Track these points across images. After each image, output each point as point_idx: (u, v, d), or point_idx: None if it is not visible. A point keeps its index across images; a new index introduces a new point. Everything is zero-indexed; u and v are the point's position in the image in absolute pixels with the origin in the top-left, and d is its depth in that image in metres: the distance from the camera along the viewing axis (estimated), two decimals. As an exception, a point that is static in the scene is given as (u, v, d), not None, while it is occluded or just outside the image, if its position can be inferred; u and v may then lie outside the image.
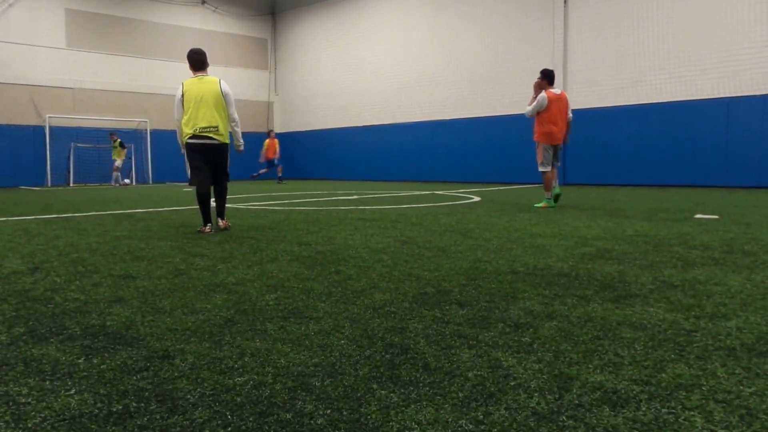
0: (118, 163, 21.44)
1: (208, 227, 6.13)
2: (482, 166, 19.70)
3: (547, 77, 9.02)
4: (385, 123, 22.85)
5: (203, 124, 6.09)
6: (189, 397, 1.91)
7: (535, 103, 8.90)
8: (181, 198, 12.48)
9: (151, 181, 23.52)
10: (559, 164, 9.37)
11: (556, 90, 9.08)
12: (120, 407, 1.85)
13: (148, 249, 5.06)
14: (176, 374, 2.11)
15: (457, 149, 20.36)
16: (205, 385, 2.01)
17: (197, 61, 6.32)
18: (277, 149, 21.72)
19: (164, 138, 23.82)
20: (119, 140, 21.45)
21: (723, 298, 3.14)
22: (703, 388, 1.95)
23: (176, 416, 1.77)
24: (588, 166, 17.30)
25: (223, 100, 6.19)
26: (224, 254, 4.73)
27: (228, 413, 1.78)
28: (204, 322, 2.78)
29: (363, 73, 23.66)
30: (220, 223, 6.34)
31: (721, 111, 14.63)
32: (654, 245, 4.99)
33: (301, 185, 19.38)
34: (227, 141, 6.33)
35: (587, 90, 17.25)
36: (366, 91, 23.47)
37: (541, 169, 9.11)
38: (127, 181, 21.61)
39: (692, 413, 1.76)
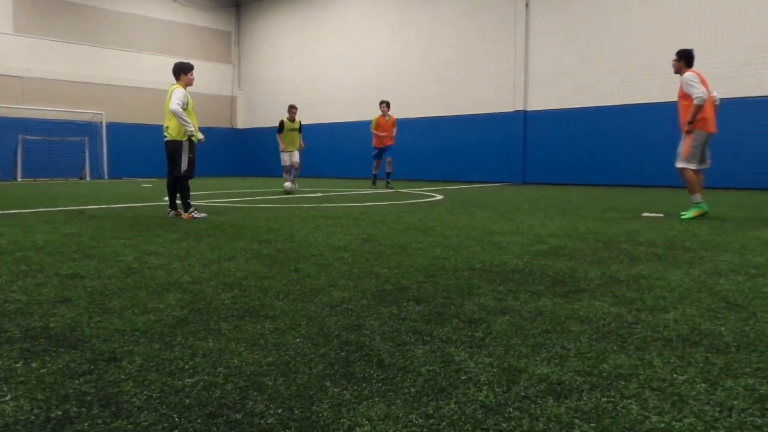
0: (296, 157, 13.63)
1: (169, 212, 7.64)
2: (446, 165, 19.88)
3: (685, 57, 7.41)
4: (351, 120, 22.82)
5: (164, 125, 7.57)
6: (134, 400, 1.87)
7: (697, 85, 7.06)
8: (137, 194, 12.23)
9: (106, 177, 22.95)
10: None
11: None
12: (59, 413, 1.79)
13: (99, 247, 4.93)
14: (122, 377, 2.06)
15: (422, 148, 20.47)
16: (153, 387, 1.97)
17: (172, 72, 7.68)
18: (394, 132, 14.87)
19: (121, 131, 23.25)
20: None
21: (663, 292, 3.28)
22: (641, 377, 2.03)
23: (120, 420, 1.73)
24: (545, 166, 17.69)
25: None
26: (180, 252, 4.66)
27: (175, 416, 1.75)
28: (155, 322, 2.73)
29: (329, 69, 23.55)
30: (172, 212, 7.59)
31: (668, 114, 15.12)
32: (604, 242, 5.14)
33: (265, 182, 19.19)
34: (174, 138, 7.43)
35: (546, 92, 17.59)
36: (332, 88, 23.38)
37: (683, 164, 7.22)
38: (288, 185, 12.86)
39: (629, 401, 1.84)
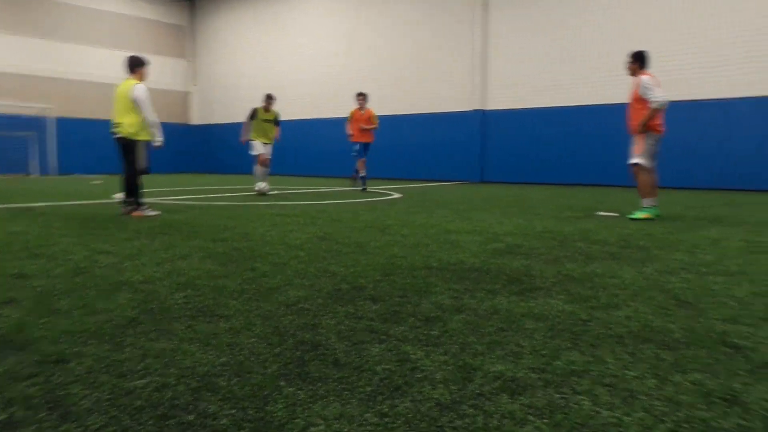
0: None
1: (123, 208, 7.33)
2: (404, 163, 19.95)
3: (640, 59, 7.28)
4: (309, 117, 22.67)
5: (113, 121, 7.28)
6: (83, 402, 1.82)
7: (655, 89, 7.01)
8: (87, 191, 11.87)
9: (55, 173, 22.22)
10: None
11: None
12: (5, 416, 1.74)
13: (47, 245, 4.76)
14: (70, 379, 2.01)
15: (381, 146, 20.34)
16: (103, 389, 1.92)
17: (126, 65, 7.40)
18: (375, 123, 13.19)
19: (70, 126, 22.56)
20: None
21: (616, 290, 3.34)
22: (593, 374, 2.07)
23: (68, 423, 1.69)
24: (503, 165, 17.95)
25: (130, 102, 7.13)
26: (132, 251, 4.55)
27: (126, 418, 1.72)
28: (105, 323, 2.65)
29: (287, 65, 23.34)
30: (126, 209, 7.28)
31: (624, 115, 15.53)
32: (559, 241, 5.23)
33: (221, 180, 18.90)
34: (129, 137, 7.19)
35: (504, 92, 17.84)
36: (290, 84, 23.17)
37: (640, 160, 7.12)
38: (263, 186, 11.35)
39: (581, 397, 1.87)
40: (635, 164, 7.17)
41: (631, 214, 7.27)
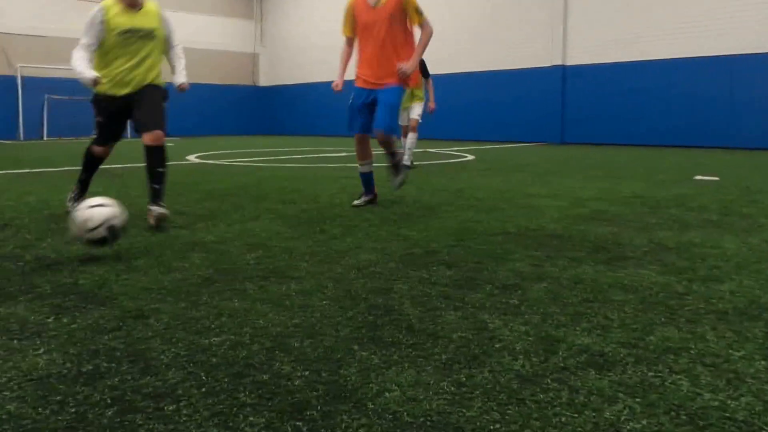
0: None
1: None
2: (477, 123, 19.06)
3: None
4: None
5: None
6: (162, 357, 1.86)
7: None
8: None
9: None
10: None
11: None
12: (90, 367, 1.79)
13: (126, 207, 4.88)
14: (150, 334, 2.05)
15: (452, 105, 19.10)
16: (180, 345, 1.95)
17: None
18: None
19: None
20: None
21: (717, 261, 3.07)
22: (692, 352, 1.91)
23: (148, 377, 1.72)
24: (587, 125, 16.87)
25: None
26: (204, 212, 4.63)
27: (202, 374, 1.73)
28: (180, 281, 2.70)
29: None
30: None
31: (723, 69, 14.30)
32: (650, 207, 4.90)
33: (287, 141, 19.10)
34: None
35: (587, 45, 16.67)
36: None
37: None
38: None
39: (679, 377, 1.72)
40: None
41: None
